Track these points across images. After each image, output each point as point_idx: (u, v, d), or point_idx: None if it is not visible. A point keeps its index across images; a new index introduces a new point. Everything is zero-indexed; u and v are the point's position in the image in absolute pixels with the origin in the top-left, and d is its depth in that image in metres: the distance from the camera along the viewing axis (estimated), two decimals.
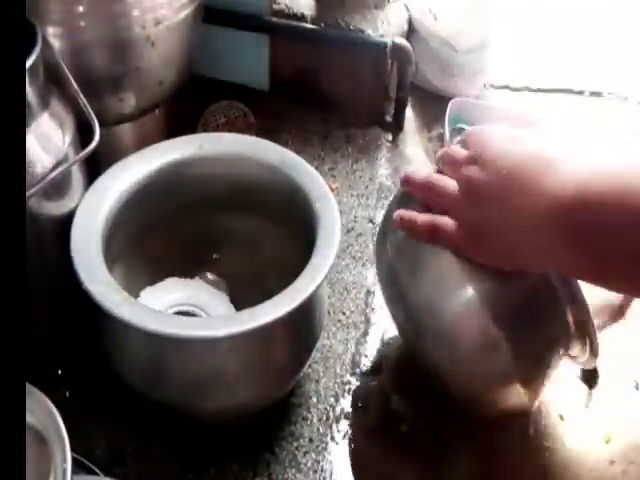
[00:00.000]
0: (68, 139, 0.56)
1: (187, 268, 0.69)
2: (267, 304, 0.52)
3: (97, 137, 0.56)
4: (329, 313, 0.73)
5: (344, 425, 0.65)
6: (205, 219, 0.69)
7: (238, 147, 0.66)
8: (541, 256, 0.48)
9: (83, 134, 0.58)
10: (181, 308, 0.64)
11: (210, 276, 0.69)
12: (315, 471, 0.61)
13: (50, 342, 0.65)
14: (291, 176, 0.64)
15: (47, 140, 0.54)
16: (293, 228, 0.65)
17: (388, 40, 0.92)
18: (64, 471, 0.44)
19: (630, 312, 0.65)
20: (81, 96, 0.59)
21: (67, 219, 0.57)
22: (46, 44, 0.56)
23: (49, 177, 0.53)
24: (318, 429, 0.64)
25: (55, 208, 0.57)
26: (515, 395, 0.55)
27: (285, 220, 0.66)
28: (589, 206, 0.44)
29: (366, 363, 0.70)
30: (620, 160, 0.45)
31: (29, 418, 0.45)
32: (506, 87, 1.12)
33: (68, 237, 0.55)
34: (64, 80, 0.60)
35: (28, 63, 0.52)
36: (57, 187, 0.56)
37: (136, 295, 0.63)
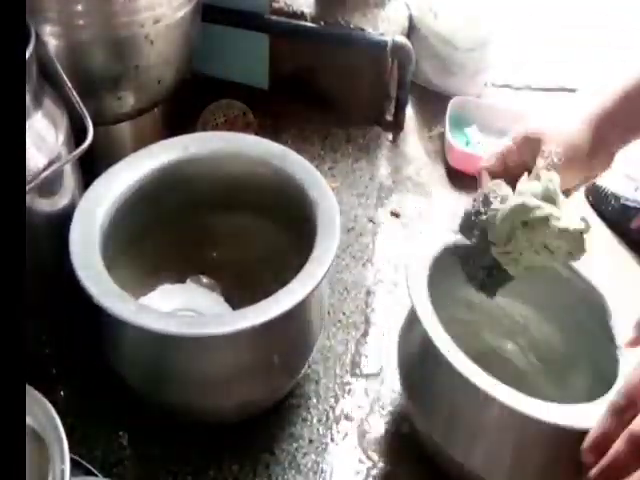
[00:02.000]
0: (61, 138, 0.56)
1: (184, 268, 0.69)
2: (266, 303, 0.52)
3: (90, 136, 0.56)
4: (329, 313, 0.73)
5: (344, 426, 0.64)
6: (200, 219, 0.69)
7: (224, 145, 0.66)
8: None
9: (79, 133, 0.58)
10: (178, 314, 0.64)
11: (204, 279, 0.69)
12: (315, 472, 0.61)
13: (49, 342, 0.64)
14: (281, 167, 0.63)
15: (40, 139, 0.54)
16: (291, 222, 0.64)
17: (388, 39, 0.92)
18: (62, 472, 0.43)
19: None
20: (75, 95, 0.59)
21: (61, 217, 0.57)
22: (40, 42, 0.55)
23: (42, 176, 0.52)
24: (318, 430, 0.64)
25: (49, 206, 0.57)
26: None
27: (281, 214, 0.66)
28: None
29: (366, 363, 0.70)
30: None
31: (28, 419, 0.45)
32: (507, 86, 1.12)
33: (62, 235, 0.55)
34: (58, 79, 0.59)
35: None
36: (50, 185, 0.56)
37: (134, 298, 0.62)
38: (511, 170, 0.59)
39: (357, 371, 0.69)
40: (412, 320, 0.56)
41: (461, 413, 0.53)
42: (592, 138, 0.57)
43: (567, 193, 0.57)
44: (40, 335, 0.63)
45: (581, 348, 0.61)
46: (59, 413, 0.46)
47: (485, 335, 0.67)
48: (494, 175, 0.59)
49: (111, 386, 0.62)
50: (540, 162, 0.56)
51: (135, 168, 0.63)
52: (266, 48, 0.96)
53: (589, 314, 0.59)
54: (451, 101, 0.99)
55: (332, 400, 0.66)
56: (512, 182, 0.56)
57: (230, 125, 0.91)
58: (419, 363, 0.57)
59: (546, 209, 0.52)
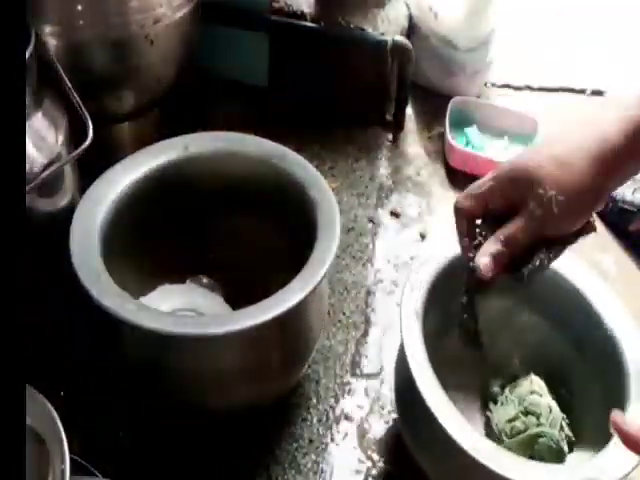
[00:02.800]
0: (61, 138, 0.56)
1: (184, 268, 0.69)
2: (266, 303, 0.52)
3: (90, 136, 0.56)
4: (329, 313, 0.72)
5: (344, 426, 0.64)
6: (200, 219, 0.69)
7: (224, 145, 0.66)
8: None
9: (79, 133, 0.58)
10: (178, 314, 0.64)
11: (204, 279, 0.69)
12: (315, 472, 0.61)
13: (49, 343, 0.64)
14: (281, 167, 0.63)
15: (40, 139, 0.54)
16: (291, 222, 0.64)
17: (388, 38, 0.92)
18: (62, 472, 0.43)
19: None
20: (75, 95, 0.59)
21: (61, 217, 0.57)
22: (40, 42, 0.55)
23: (42, 176, 0.53)
24: (318, 430, 0.64)
25: (49, 206, 0.57)
26: None
27: (281, 214, 0.66)
28: None
29: (366, 363, 0.70)
30: None
31: (28, 419, 0.45)
32: (507, 86, 1.12)
33: (63, 235, 0.55)
34: (58, 79, 0.59)
35: None
36: (50, 185, 0.56)
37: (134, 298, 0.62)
38: (492, 212, 0.50)
39: (357, 371, 0.69)
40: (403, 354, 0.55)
41: (446, 462, 0.53)
42: (600, 182, 0.47)
43: (566, 242, 0.50)
44: (40, 335, 0.63)
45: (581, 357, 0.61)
46: (59, 413, 0.46)
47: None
48: (472, 215, 0.51)
49: (111, 386, 0.62)
50: (536, 210, 0.47)
51: (135, 168, 0.63)
52: (266, 48, 0.96)
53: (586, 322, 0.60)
54: (451, 101, 0.99)
55: (332, 400, 0.66)
56: (494, 222, 0.50)
57: None
58: (410, 396, 0.55)
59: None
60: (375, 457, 0.63)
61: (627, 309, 0.59)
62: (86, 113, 0.58)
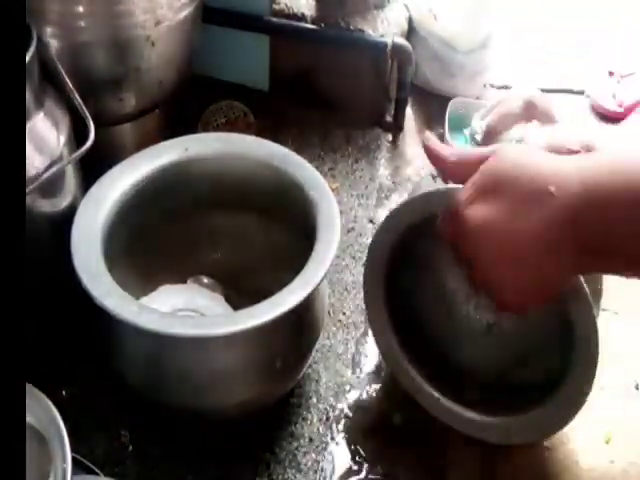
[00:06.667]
0: (63, 139, 0.56)
1: (184, 268, 0.69)
2: (266, 303, 0.52)
3: (92, 137, 0.56)
4: (329, 313, 0.73)
5: (344, 425, 0.65)
6: (201, 220, 0.69)
7: (225, 146, 0.66)
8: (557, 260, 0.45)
9: (81, 134, 0.58)
10: (179, 314, 0.64)
11: (205, 279, 0.69)
12: (315, 471, 0.61)
13: (49, 342, 0.65)
14: (282, 168, 0.64)
15: (42, 140, 0.55)
16: (291, 222, 0.65)
17: (388, 40, 0.92)
18: (64, 471, 0.44)
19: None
20: (76, 96, 0.59)
21: (63, 218, 0.57)
22: (41, 43, 0.56)
23: (43, 177, 0.53)
24: (318, 429, 0.64)
25: (50, 207, 0.57)
26: None
27: (281, 214, 0.66)
28: (595, 202, 0.42)
29: (366, 363, 0.70)
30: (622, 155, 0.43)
31: (29, 418, 0.45)
32: (506, 87, 1.12)
33: (64, 236, 0.55)
34: (60, 80, 0.60)
35: None
36: (52, 186, 0.57)
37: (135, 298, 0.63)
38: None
39: (357, 370, 0.69)
40: None
41: None
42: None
43: None
44: (41, 335, 0.63)
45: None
46: (61, 413, 0.46)
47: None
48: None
49: (112, 386, 0.62)
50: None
51: (136, 169, 0.63)
52: (266, 50, 0.96)
53: None
54: (450, 102, 0.99)
55: (332, 399, 0.66)
56: None
57: (231, 126, 0.91)
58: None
59: None
60: (374, 456, 0.63)
61: None
62: (87, 114, 0.58)
